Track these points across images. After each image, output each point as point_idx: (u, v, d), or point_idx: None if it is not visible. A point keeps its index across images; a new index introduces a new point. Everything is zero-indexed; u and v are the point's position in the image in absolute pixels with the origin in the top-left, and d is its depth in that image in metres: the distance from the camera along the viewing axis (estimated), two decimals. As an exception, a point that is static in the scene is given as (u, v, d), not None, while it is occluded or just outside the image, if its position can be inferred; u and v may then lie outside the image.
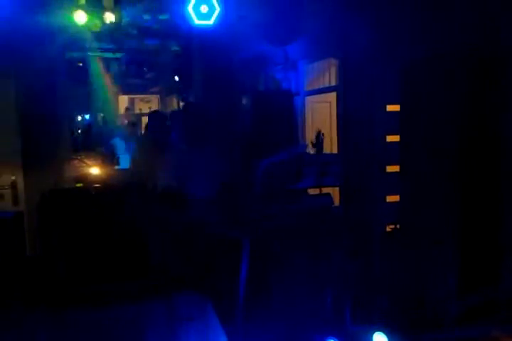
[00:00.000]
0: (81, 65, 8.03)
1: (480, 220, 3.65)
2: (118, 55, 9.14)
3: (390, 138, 5.43)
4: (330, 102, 7.49)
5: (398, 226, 3.86)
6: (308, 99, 7.46)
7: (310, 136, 7.03)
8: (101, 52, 8.57)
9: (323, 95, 7.32)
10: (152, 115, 5.93)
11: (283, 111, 5.47)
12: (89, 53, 8.51)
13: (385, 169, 5.40)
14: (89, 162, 6.57)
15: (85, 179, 5.14)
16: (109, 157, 8.31)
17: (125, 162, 8.88)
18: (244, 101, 6.46)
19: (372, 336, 3.40)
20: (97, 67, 9.33)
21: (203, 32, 5.59)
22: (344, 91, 5.69)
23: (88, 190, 2.81)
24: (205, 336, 2.53)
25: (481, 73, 3.87)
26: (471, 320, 3.43)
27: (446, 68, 3.92)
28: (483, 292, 3.53)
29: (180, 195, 3.09)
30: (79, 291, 2.27)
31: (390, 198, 5.31)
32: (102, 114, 13.65)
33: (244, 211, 2.73)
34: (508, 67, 3.80)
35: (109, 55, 9.04)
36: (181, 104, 13.01)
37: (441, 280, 3.37)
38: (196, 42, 5.85)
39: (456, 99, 3.73)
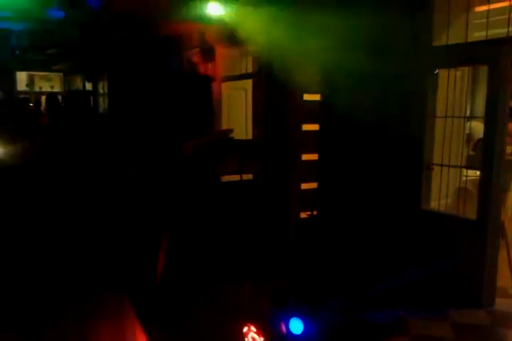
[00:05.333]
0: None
1: (390, 209, 3.84)
2: (18, 25, 8.27)
3: (305, 127, 5.53)
4: (246, 89, 7.46)
5: (315, 212, 3.93)
6: (224, 85, 7.36)
7: (226, 122, 6.96)
8: (-2, 20, 7.69)
9: (239, 82, 7.26)
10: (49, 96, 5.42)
11: (202, 96, 5.33)
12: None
13: (300, 157, 5.50)
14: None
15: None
16: None
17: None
18: (160, 83, 6.20)
19: (289, 321, 3.44)
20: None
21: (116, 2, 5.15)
22: (262, 79, 5.66)
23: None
24: (123, 334, 2.37)
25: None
26: (379, 303, 3.60)
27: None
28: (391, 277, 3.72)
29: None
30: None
31: (305, 186, 5.43)
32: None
33: (166, 202, 2.59)
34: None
35: (8, 24, 8.16)
36: (87, 83, 12.26)
37: (357, 266, 3.49)
38: (108, 13, 5.36)
39: (373, 92, 3.86)
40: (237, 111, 7.36)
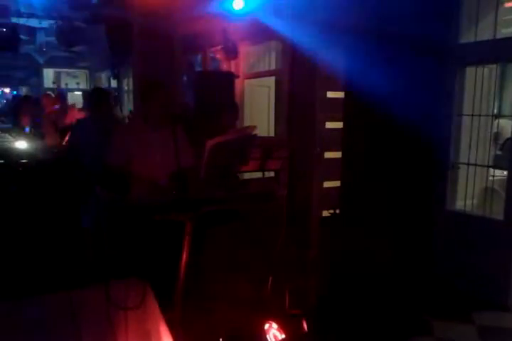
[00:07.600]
0: (4, 30, 7.23)
1: (414, 209, 3.78)
2: (45, 23, 8.39)
3: (329, 125, 5.49)
4: (269, 87, 7.45)
5: (338, 211, 3.90)
6: (247, 82, 7.35)
7: (249, 119, 6.96)
8: (27, 18, 7.77)
9: (262, 79, 7.24)
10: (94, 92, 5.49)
11: (225, 92, 5.35)
12: (13, 19, 7.72)
13: (323, 155, 5.47)
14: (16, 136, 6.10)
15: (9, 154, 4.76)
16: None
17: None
18: (185, 79, 6.21)
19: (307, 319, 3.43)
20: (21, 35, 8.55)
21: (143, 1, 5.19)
22: (287, 77, 5.63)
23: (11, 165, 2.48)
24: (145, 324, 2.39)
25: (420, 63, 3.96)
26: (403, 305, 3.56)
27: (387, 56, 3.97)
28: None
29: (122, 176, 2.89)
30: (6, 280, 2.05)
31: (327, 184, 5.40)
32: (24, 88, 12.77)
33: (188, 194, 2.59)
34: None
35: (35, 23, 8.29)
36: (112, 80, 12.41)
37: (379, 265, 3.46)
38: (135, 12, 5.42)
39: (398, 89, 3.80)
40: (260, 109, 7.35)
